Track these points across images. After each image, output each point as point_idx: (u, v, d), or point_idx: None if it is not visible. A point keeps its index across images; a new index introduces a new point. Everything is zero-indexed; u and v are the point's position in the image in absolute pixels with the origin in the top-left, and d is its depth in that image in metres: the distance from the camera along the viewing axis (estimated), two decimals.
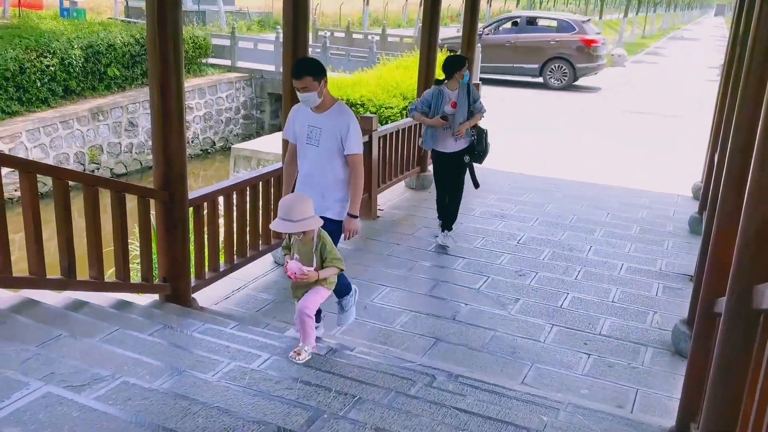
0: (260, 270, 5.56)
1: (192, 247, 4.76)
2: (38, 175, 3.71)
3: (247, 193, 5.21)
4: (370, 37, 23.91)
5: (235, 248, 5.17)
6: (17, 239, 3.64)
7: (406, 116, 10.03)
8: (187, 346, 3.49)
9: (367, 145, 6.68)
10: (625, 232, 7.09)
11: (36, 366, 2.64)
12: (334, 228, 4.07)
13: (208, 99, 17.00)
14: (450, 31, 24.07)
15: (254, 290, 5.25)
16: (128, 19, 21.21)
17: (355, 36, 25.77)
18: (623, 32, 36.07)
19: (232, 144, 14.39)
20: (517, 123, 13.44)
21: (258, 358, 3.45)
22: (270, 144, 11.06)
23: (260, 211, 5.37)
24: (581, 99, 17.81)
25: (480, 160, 6.15)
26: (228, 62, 19.02)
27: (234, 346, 3.62)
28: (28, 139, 12.22)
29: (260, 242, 5.43)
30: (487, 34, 19.66)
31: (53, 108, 13.32)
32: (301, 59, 4.26)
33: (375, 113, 9.82)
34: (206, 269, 4.88)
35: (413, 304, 5.09)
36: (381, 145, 7.08)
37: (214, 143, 17.31)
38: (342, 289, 4.26)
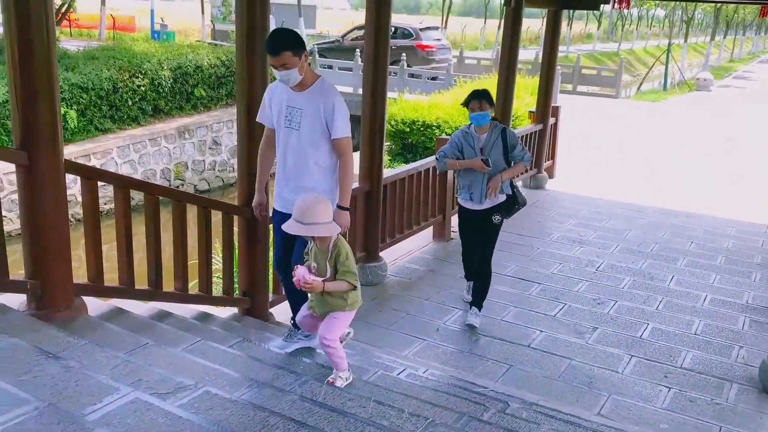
0: None
1: (270, 263, 4.88)
2: (130, 190, 3.93)
3: None
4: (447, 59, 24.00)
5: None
6: (107, 250, 3.84)
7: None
8: (265, 359, 3.58)
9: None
10: (710, 262, 6.83)
11: (125, 372, 2.76)
12: None
13: None
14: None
15: None
16: (215, 42, 22.09)
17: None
18: (709, 56, 34.92)
19: None
20: (589, 146, 13.18)
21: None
22: None
23: None
24: (664, 122, 17.33)
25: (509, 215, 5.11)
26: None
27: (308, 362, 3.69)
28: (119, 155, 12.84)
29: None
30: (343, 41, 24.03)
31: (143, 126, 13.95)
32: (276, 31, 3.63)
33: (450, 135, 9.84)
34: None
35: (487, 328, 5.04)
36: None
37: None
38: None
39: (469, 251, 5.24)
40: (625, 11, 48.00)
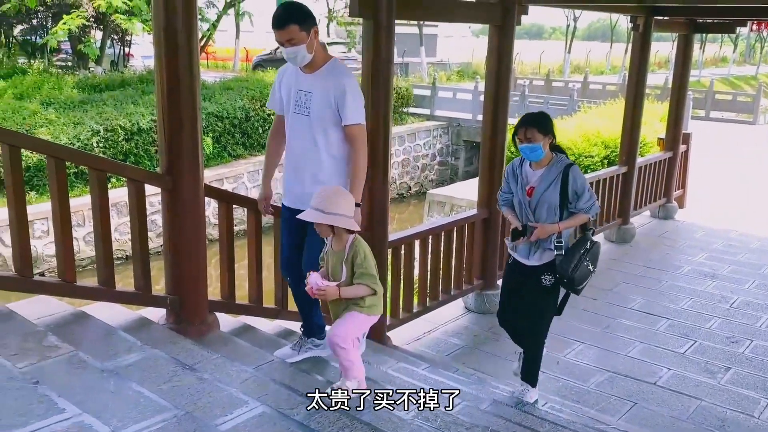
0: (451, 314, 5.64)
1: (389, 287, 4.97)
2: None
3: (442, 238, 5.34)
4: (570, 84, 23.58)
5: (428, 291, 5.31)
6: (237, 269, 4.08)
7: (606, 166, 9.71)
8: (383, 381, 3.64)
9: None
10: None
11: (253, 386, 2.91)
12: None
13: (407, 146, 17.71)
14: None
15: (444, 334, 5.33)
16: None
17: (554, 84, 25.56)
18: None
19: (427, 189, 14.82)
20: (723, 176, 12.42)
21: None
22: (464, 190, 11.24)
23: (453, 257, 5.47)
24: None
25: (573, 287, 3.79)
26: (427, 111, 19.72)
27: (425, 387, 3.71)
28: (249, 179, 13.53)
29: (452, 287, 5.52)
30: (276, 54, 23.94)
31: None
32: (284, 4, 3.27)
33: (574, 161, 9.62)
34: (401, 309, 5.06)
35: (610, 363, 4.86)
36: None
37: (410, 188, 17.94)
38: (318, 323, 3.62)
39: (504, 310, 4.12)
40: (765, 33, 45.17)
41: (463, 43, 38.24)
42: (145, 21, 15.68)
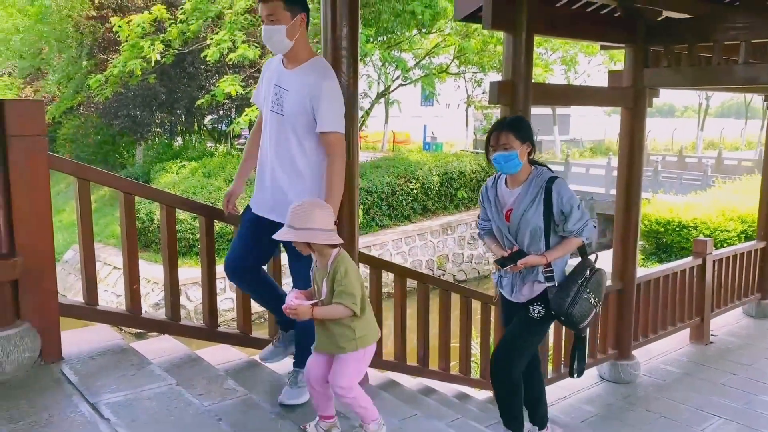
0: (585, 382, 5.38)
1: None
2: (407, 278, 4.26)
3: None
4: (704, 160, 22.24)
5: (562, 359, 5.13)
6: (383, 327, 4.20)
7: (743, 240, 8.98)
8: None
9: (701, 269, 6.17)
10: None
11: None
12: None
13: None
14: None
15: (578, 401, 5.09)
16: (476, 151, 23.12)
17: (687, 160, 24.21)
18: None
19: None
20: None
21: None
22: (598, 262, 10.81)
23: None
24: None
25: (573, 325, 3.06)
26: None
27: None
28: (393, 247, 13.86)
29: (586, 356, 5.29)
30: None
31: (413, 223, 14.95)
32: None
33: (709, 236, 9.01)
34: None
35: None
36: (716, 269, 6.45)
37: None
38: (303, 356, 2.85)
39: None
40: None
41: (595, 121, 37.39)
42: None
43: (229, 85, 14.15)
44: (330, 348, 2.52)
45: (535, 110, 4.34)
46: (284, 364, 3.75)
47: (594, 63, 24.61)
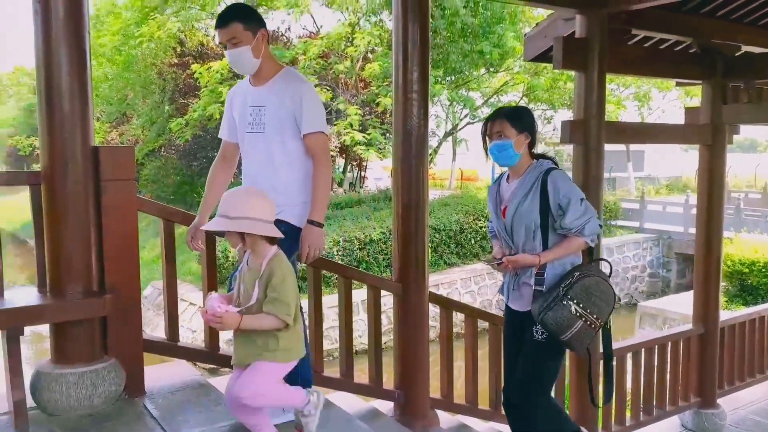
0: (666, 431, 5.13)
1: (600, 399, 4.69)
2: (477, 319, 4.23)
3: (656, 352, 4.97)
4: None
5: (641, 405, 4.92)
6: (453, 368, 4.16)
7: None
8: None
9: None
10: None
11: None
12: (288, 239, 2.53)
13: (615, 257, 16.86)
14: None
15: None
16: None
17: None
18: None
19: (637, 301, 13.86)
20: None
21: None
22: (677, 303, 10.36)
23: (667, 372, 5.04)
24: None
25: (557, 336, 2.65)
26: (636, 224, 18.74)
27: None
28: (462, 286, 13.73)
29: (667, 403, 5.06)
30: None
31: (481, 262, 14.81)
32: (231, 5, 2.89)
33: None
34: (613, 422, 4.72)
35: None
36: None
37: (619, 299, 16.88)
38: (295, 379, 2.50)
39: (508, 369, 3.08)
40: None
41: (671, 157, 36.22)
42: (378, 150, 17.10)
43: None
44: (250, 356, 2.22)
45: (608, 146, 4.27)
46: (353, 403, 3.77)
47: (669, 98, 24.00)
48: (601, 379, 3.13)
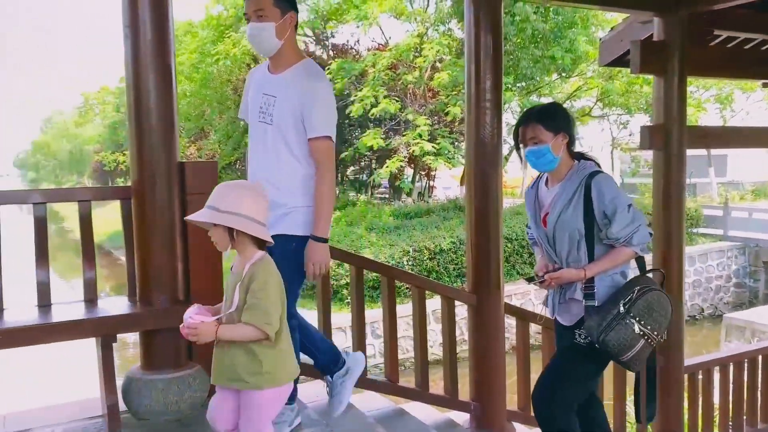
0: None
1: (685, 415, 4.50)
2: None
3: (745, 366, 4.73)
4: None
5: (729, 422, 4.68)
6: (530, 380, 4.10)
7: None
8: None
9: None
10: None
11: None
12: (293, 251, 2.45)
13: (697, 267, 16.15)
14: None
15: None
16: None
17: None
18: None
19: (722, 312, 13.20)
20: None
21: None
22: (767, 315, 9.81)
23: (758, 388, 4.78)
24: None
25: (614, 357, 2.50)
26: (719, 231, 17.87)
27: None
28: (534, 297, 13.47)
29: (758, 420, 4.79)
30: None
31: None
32: None
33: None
34: None
35: None
36: None
37: (702, 310, 16.14)
38: (326, 359, 2.73)
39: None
40: None
41: (756, 161, 34.42)
42: (447, 159, 17.05)
43: (371, 138, 14.81)
44: (231, 380, 1.99)
45: (689, 151, 4.12)
46: (429, 413, 3.76)
47: (753, 99, 22.84)
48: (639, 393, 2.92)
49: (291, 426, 2.67)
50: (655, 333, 2.48)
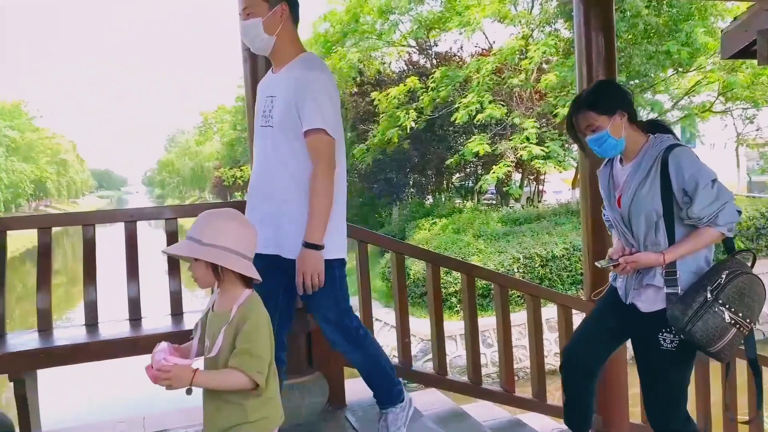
0: None
1: None
2: None
3: None
4: None
5: None
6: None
7: None
8: None
9: None
10: None
11: None
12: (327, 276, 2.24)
13: None
14: None
15: None
16: (752, 195, 20.55)
17: None
18: None
19: None
20: None
21: None
22: None
23: None
24: None
25: (702, 348, 2.25)
26: None
27: None
28: None
29: None
30: None
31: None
32: None
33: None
34: None
35: None
36: None
37: None
38: (384, 390, 2.46)
39: (574, 344, 2.71)
40: None
41: None
42: (557, 162, 16.57)
43: (477, 144, 14.69)
44: (220, 428, 1.76)
45: None
46: (546, 423, 3.67)
47: None
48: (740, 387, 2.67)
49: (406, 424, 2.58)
50: (748, 320, 2.26)
